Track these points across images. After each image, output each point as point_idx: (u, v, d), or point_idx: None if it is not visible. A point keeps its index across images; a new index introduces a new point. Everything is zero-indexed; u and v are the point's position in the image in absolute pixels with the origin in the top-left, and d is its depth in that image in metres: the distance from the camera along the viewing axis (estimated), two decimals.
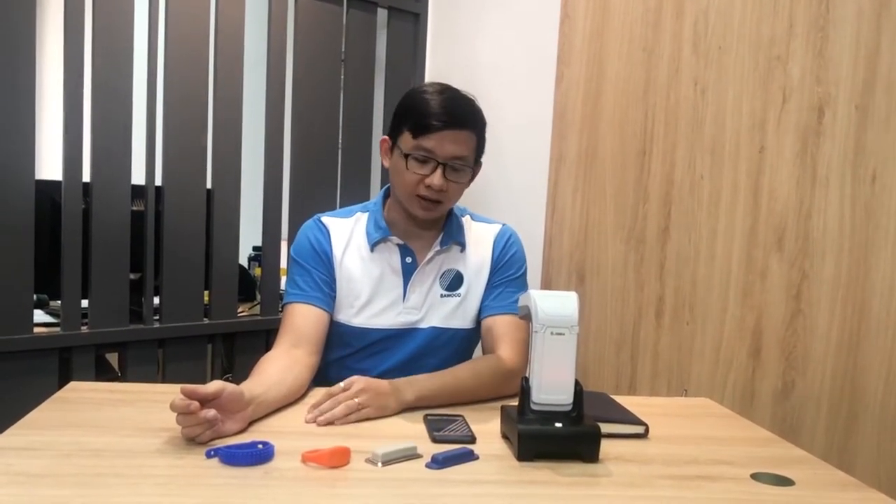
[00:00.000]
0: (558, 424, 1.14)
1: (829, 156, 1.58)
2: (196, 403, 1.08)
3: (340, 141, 2.71)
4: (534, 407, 1.14)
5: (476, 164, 1.54)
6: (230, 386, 1.15)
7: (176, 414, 1.09)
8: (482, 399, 1.43)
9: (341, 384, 1.30)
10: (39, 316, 2.19)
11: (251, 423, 1.21)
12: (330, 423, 1.24)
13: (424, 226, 1.55)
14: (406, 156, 1.45)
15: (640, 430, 1.28)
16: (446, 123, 1.43)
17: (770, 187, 1.72)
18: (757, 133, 1.75)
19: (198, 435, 1.10)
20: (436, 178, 1.44)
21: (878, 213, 1.48)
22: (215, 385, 1.12)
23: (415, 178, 1.45)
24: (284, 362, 1.38)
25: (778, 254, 1.69)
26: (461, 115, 1.46)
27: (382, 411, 1.29)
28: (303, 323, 1.48)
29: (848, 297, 1.53)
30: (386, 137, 1.55)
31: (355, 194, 2.71)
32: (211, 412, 1.10)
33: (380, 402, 1.29)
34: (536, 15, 2.58)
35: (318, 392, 1.33)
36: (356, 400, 1.27)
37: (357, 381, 1.30)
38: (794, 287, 1.65)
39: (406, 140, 1.46)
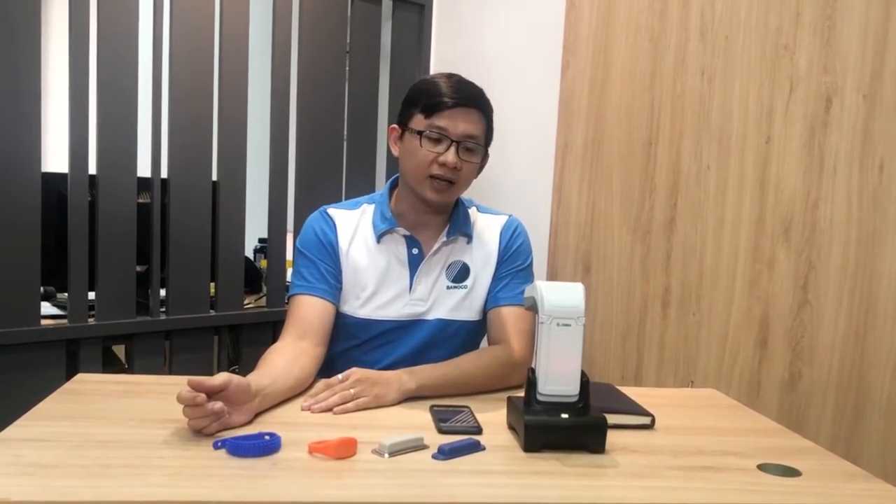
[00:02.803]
0: (565, 415, 1.14)
1: (837, 145, 1.57)
2: (202, 395, 1.08)
3: (346, 132, 2.71)
4: (540, 398, 1.14)
5: (485, 152, 1.54)
6: (236, 378, 1.15)
7: (183, 406, 1.09)
8: (486, 390, 1.43)
9: (339, 376, 1.32)
10: (47, 308, 2.20)
11: (258, 415, 1.21)
12: (325, 410, 1.26)
13: (434, 211, 1.54)
14: (420, 133, 1.46)
15: (646, 420, 1.28)
16: (457, 101, 1.45)
17: (777, 177, 1.71)
18: (764, 123, 1.75)
19: (204, 427, 1.11)
20: (450, 156, 1.44)
21: (885, 203, 1.47)
22: (221, 377, 1.12)
23: (429, 156, 1.46)
24: (290, 354, 1.38)
25: (785, 244, 1.68)
26: (471, 94, 1.48)
27: (380, 401, 1.30)
28: (308, 314, 1.48)
29: (855, 288, 1.53)
30: (395, 126, 1.55)
31: (360, 186, 2.71)
32: (217, 404, 1.11)
33: (376, 391, 1.30)
34: (542, 4, 2.57)
35: (319, 383, 1.33)
36: (352, 390, 1.28)
37: (354, 373, 1.32)
38: (802, 277, 1.64)
39: (418, 121, 1.47)
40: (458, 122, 1.45)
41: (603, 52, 2.30)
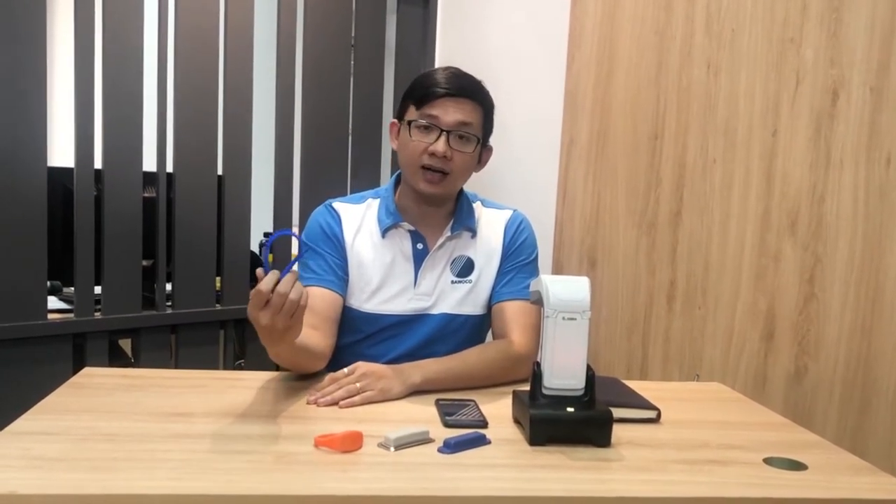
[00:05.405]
0: (570, 409, 1.14)
1: (843, 139, 1.56)
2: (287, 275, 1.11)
3: (351, 127, 2.71)
4: (546, 391, 1.15)
5: (484, 145, 1.53)
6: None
7: (260, 305, 1.14)
8: (491, 384, 1.43)
9: (345, 370, 1.33)
10: (53, 302, 2.20)
11: (263, 418, 1.21)
12: (331, 404, 1.26)
13: (434, 204, 1.54)
14: (410, 123, 1.47)
15: (651, 414, 1.28)
16: (449, 91, 1.45)
17: (783, 171, 1.70)
18: (770, 116, 1.74)
19: (294, 313, 1.13)
20: (440, 145, 1.44)
21: (892, 197, 1.46)
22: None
23: (419, 146, 1.46)
24: (305, 332, 1.37)
25: (791, 238, 1.68)
26: (466, 85, 1.47)
27: (385, 394, 1.30)
28: (319, 304, 1.47)
29: (861, 281, 1.52)
30: (394, 121, 1.55)
31: (366, 180, 2.71)
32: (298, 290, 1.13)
33: (381, 385, 1.30)
34: None
35: (325, 377, 1.34)
36: (357, 384, 1.28)
37: (360, 367, 1.33)
38: (808, 271, 1.63)
39: (411, 112, 1.48)
40: (450, 111, 1.44)
41: (608, 46, 2.29)
